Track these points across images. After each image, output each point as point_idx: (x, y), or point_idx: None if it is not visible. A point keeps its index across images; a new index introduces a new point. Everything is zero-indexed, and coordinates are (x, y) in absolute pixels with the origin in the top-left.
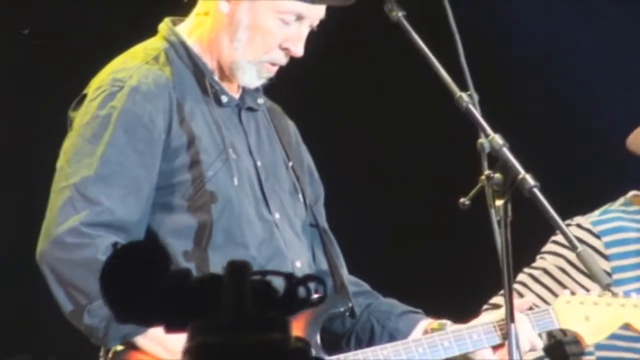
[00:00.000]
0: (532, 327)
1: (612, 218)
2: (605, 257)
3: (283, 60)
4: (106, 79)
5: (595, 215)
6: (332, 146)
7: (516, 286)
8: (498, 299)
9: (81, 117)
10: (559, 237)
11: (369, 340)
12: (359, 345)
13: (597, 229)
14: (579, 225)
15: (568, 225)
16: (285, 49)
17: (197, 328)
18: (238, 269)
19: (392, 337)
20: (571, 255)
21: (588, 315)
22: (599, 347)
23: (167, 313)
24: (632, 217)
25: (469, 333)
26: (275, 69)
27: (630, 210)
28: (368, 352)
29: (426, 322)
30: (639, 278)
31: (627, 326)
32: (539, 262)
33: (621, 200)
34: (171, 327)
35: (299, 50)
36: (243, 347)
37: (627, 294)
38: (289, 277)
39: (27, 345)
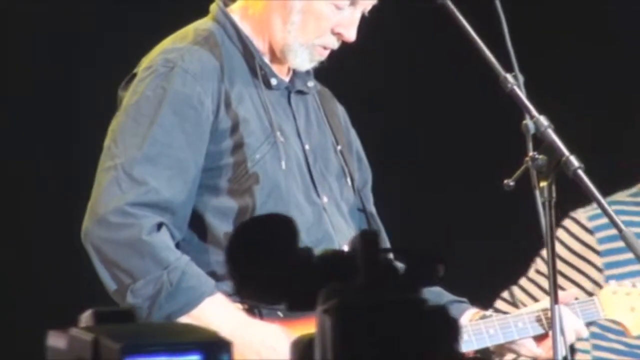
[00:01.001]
0: (577, 317)
1: None
2: (598, 253)
3: (335, 44)
4: (156, 59)
5: (594, 207)
6: (375, 133)
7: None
8: (500, 304)
9: (130, 97)
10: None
11: None
12: None
13: (591, 224)
14: (574, 220)
15: (566, 217)
16: (337, 34)
17: (332, 293)
18: (371, 238)
19: None
20: (564, 252)
21: (634, 306)
22: (596, 347)
23: (292, 289)
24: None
25: (515, 321)
26: (327, 52)
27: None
28: None
29: (472, 312)
30: (636, 273)
31: None
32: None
33: (634, 189)
34: (295, 304)
35: (351, 35)
36: (384, 306)
37: None
38: (411, 255)
39: None
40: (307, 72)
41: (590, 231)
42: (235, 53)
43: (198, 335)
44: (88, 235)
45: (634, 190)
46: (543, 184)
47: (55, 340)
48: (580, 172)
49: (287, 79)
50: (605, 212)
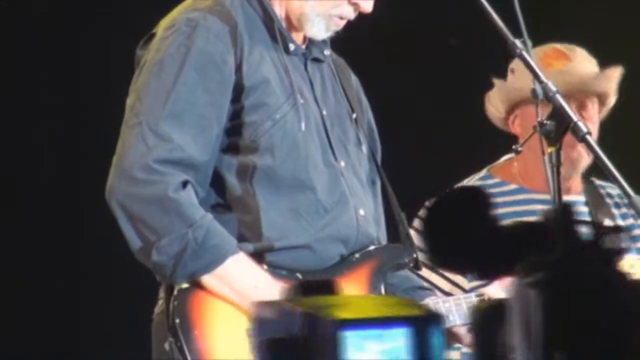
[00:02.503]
0: None
1: None
2: None
3: (352, 14)
4: (178, 17)
5: None
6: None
7: None
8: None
9: (153, 55)
10: None
11: None
12: None
13: None
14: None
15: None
16: (354, 4)
17: (534, 265)
18: (567, 209)
19: None
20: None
21: None
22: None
23: (485, 258)
24: (491, 190)
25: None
26: (343, 22)
27: (490, 183)
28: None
29: (433, 300)
30: None
31: None
32: None
33: (482, 172)
34: (486, 273)
35: (368, 7)
36: (592, 278)
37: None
38: (601, 227)
39: None
40: (324, 40)
41: None
42: (255, 17)
43: (407, 308)
44: (113, 192)
45: (482, 173)
46: (551, 149)
47: (263, 311)
48: (589, 138)
49: (303, 46)
50: (613, 177)
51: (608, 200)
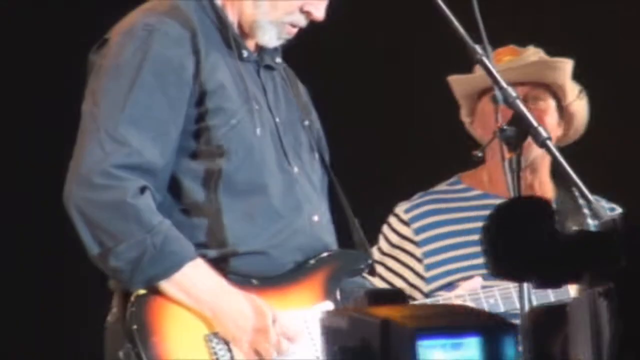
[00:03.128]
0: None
1: (425, 202)
2: (416, 244)
3: (303, 22)
4: (135, 22)
5: (413, 199)
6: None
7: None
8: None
9: (109, 60)
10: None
11: None
12: None
13: (407, 216)
14: (394, 214)
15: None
16: (306, 12)
17: (601, 275)
18: (628, 218)
19: None
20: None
21: None
22: None
23: (546, 267)
24: (456, 195)
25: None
26: (295, 30)
27: (457, 189)
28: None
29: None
30: (453, 259)
31: None
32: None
33: (454, 177)
34: (546, 282)
35: (320, 14)
36: None
37: (440, 277)
38: None
39: None
40: (275, 48)
41: (406, 223)
42: (209, 22)
43: (478, 317)
44: (71, 197)
45: (452, 179)
46: (511, 154)
47: (334, 321)
48: (549, 143)
49: (255, 53)
50: (573, 183)
51: (585, 211)
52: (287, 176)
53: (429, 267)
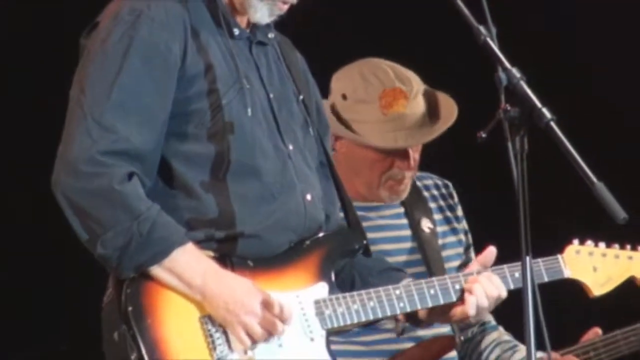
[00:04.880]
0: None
1: None
2: None
3: None
4: (122, 6)
5: None
6: None
7: None
8: None
9: (96, 45)
10: None
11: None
12: None
13: None
14: None
15: None
16: None
17: None
18: None
19: None
20: None
21: (596, 266)
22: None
23: None
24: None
25: (428, 287)
26: (286, 6)
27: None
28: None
29: (407, 282)
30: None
31: (632, 279)
32: None
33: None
34: None
35: None
36: None
37: None
38: None
39: None
40: (267, 24)
41: None
42: (198, 2)
43: None
44: (59, 185)
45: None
46: (515, 136)
47: None
48: (553, 124)
49: (247, 30)
50: (576, 165)
51: (425, 194)
52: (281, 155)
53: None
